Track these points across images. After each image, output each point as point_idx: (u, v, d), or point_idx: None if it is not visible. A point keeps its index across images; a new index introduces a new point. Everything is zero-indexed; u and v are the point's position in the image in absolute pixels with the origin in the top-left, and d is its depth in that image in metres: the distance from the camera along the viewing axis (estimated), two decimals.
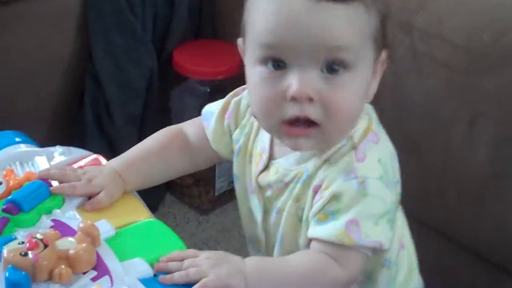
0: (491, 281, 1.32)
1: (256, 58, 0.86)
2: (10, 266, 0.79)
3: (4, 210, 0.88)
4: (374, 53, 0.88)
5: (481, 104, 1.23)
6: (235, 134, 0.99)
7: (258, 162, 0.95)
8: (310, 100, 0.83)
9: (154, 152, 1.02)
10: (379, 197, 0.86)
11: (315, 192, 0.88)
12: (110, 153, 1.07)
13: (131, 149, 1.03)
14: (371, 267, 0.95)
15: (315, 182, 0.89)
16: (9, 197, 0.90)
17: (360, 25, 0.84)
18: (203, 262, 0.85)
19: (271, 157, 0.94)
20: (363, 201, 0.85)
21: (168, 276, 0.84)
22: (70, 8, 1.58)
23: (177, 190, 1.79)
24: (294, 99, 0.83)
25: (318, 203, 0.87)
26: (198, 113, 1.05)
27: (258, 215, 0.96)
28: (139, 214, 0.95)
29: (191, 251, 0.88)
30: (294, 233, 0.92)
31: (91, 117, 1.62)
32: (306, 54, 0.82)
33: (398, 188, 0.93)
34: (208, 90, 1.63)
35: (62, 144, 1.08)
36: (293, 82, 0.83)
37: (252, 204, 0.97)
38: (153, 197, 1.73)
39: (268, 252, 0.98)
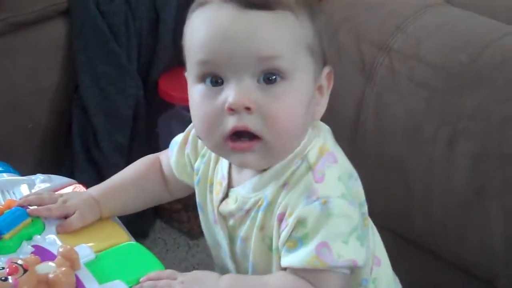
0: None
1: (194, 77, 0.86)
2: None
3: None
4: (314, 65, 0.87)
5: (460, 121, 1.25)
6: (196, 164, 0.99)
7: (218, 191, 0.95)
8: (248, 109, 0.83)
9: (132, 180, 1.04)
10: (344, 215, 0.85)
11: (280, 220, 0.87)
12: (99, 181, 1.08)
13: (111, 178, 1.05)
14: None
15: (277, 210, 0.87)
16: None
17: (291, 33, 0.84)
18: (176, 285, 0.86)
19: (230, 186, 0.94)
20: (329, 222, 0.84)
21: None
22: (56, 40, 1.60)
23: (166, 216, 1.81)
24: (231, 110, 0.83)
25: (285, 231, 0.86)
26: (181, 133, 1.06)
27: (224, 245, 0.96)
28: (119, 237, 0.97)
29: (169, 271, 0.89)
30: (266, 261, 0.91)
31: (79, 146, 1.64)
32: (240, 65, 0.82)
33: (364, 209, 0.92)
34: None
35: (51, 173, 1.10)
36: (229, 93, 0.83)
37: (217, 234, 0.97)
38: (143, 223, 1.74)
39: None
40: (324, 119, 0.93)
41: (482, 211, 1.24)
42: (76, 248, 0.88)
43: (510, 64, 1.24)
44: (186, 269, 1.63)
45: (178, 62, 1.74)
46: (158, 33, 1.69)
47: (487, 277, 1.28)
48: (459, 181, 1.25)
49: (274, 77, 0.83)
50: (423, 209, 1.32)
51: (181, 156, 1.01)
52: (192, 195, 1.12)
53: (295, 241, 0.85)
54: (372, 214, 0.98)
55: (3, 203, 0.98)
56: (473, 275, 1.30)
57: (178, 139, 1.03)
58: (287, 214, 0.86)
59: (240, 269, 0.96)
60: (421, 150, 1.30)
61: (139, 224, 1.69)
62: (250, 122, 0.83)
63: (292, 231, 0.85)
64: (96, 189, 1.02)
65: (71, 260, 0.86)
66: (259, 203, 0.89)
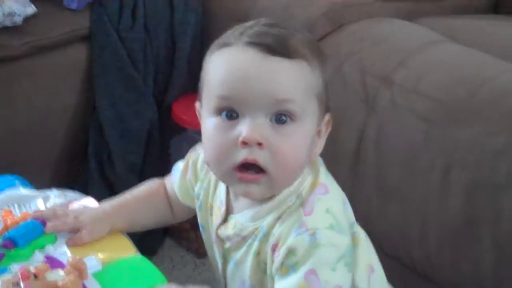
0: None
1: (211, 109, 0.93)
2: None
3: (0, 246, 0.96)
4: (319, 112, 0.94)
5: (456, 153, 1.29)
6: (196, 189, 1.06)
7: (217, 215, 1.01)
8: (259, 145, 0.89)
9: (141, 200, 1.11)
10: (332, 244, 0.90)
11: (273, 250, 0.93)
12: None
13: (122, 195, 1.12)
14: None
15: (271, 241, 0.93)
16: (6, 234, 0.98)
17: (305, 81, 0.91)
18: None
19: (229, 211, 1.00)
20: (316, 251, 0.89)
21: None
22: (77, 63, 1.67)
23: (175, 234, 1.86)
24: (244, 143, 0.89)
25: (278, 259, 0.92)
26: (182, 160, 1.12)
27: (219, 264, 1.03)
28: (126, 251, 1.02)
29: (173, 286, 0.94)
30: (261, 283, 0.97)
31: (94, 165, 1.70)
32: (256, 104, 0.89)
33: (354, 228, 0.98)
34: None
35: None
36: (244, 128, 0.89)
37: (214, 254, 1.03)
38: (153, 241, 1.80)
39: None
40: (327, 147, 0.99)
41: (475, 239, 1.27)
42: (85, 259, 0.94)
43: (505, 100, 1.29)
44: None
45: (191, 88, 1.83)
46: (174, 60, 1.76)
47: None
48: (453, 210, 1.29)
49: (285, 118, 0.90)
50: (419, 235, 1.35)
51: (184, 181, 1.08)
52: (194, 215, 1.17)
53: (287, 268, 0.91)
54: (372, 240, 1.04)
55: (19, 215, 1.04)
56: None
57: (179, 166, 1.09)
58: (279, 244, 0.92)
59: (230, 287, 1.02)
60: (418, 179, 1.34)
61: (149, 241, 1.75)
62: (260, 157, 0.90)
63: (284, 259, 0.91)
64: (108, 205, 1.08)
65: (79, 269, 0.91)
66: (256, 232, 0.96)
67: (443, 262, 1.34)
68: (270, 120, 0.90)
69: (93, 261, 0.96)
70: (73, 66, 1.67)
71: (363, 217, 1.00)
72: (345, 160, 1.44)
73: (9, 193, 1.11)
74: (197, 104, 0.99)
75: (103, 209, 1.07)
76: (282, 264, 0.91)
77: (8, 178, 1.16)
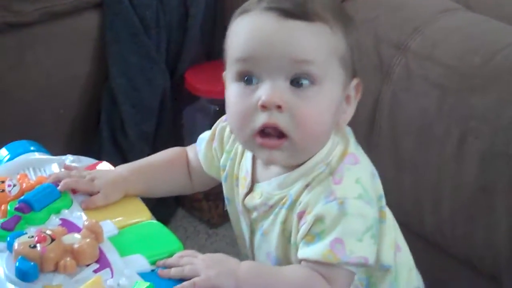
0: None
1: (232, 75, 0.93)
2: (20, 257, 0.87)
3: (16, 209, 0.96)
4: (344, 75, 0.94)
5: (471, 121, 1.28)
6: (222, 160, 1.05)
7: (243, 185, 1.01)
8: (279, 108, 0.89)
9: (160, 166, 1.10)
10: (360, 215, 0.91)
11: (300, 217, 0.93)
12: None
13: (140, 160, 1.11)
14: (372, 274, 1.00)
15: (298, 209, 0.93)
16: (22, 197, 0.98)
17: (325, 43, 0.91)
18: (198, 262, 0.92)
19: (254, 181, 1.00)
20: (344, 220, 0.90)
21: (166, 270, 0.92)
22: (89, 30, 1.67)
23: (188, 205, 1.86)
24: (263, 107, 0.89)
25: (304, 227, 0.92)
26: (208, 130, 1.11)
27: (246, 236, 1.02)
28: (141, 215, 1.02)
29: (190, 251, 0.95)
30: (285, 254, 0.97)
31: (106, 134, 1.70)
32: (274, 67, 0.89)
33: (382, 202, 0.98)
34: (218, 108, 1.70)
35: None
36: (263, 92, 0.90)
37: (242, 225, 1.03)
38: (166, 211, 1.81)
39: None
40: None
41: (489, 208, 1.27)
42: (101, 223, 0.94)
43: None
44: None
45: (204, 56, 1.82)
46: (186, 28, 1.75)
47: (491, 273, 1.31)
48: (467, 179, 1.29)
49: (305, 81, 0.90)
50: (433, 205, 1.35)
51: (209, 151, 1.07)
52: (213, 186, 1.17)
53: (313, 236, 0.91)
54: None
55: (34, 179, 1.04)
56: (479, 271, 1.34)
57: (205, 135, 1.09)
58: (306, 212, 0.92)
59: (257, 260, 1.02)
60: (432, 148, 1.34)
61: (162, 212, 1.74)
62: (280, 120, 0.90)
63: (310, 227, 0.91)
64: (125, 167, 1.08)
65: (95, 233, 0.92)
66: (284, 200, 0.95)
67: (456, 231, 1.34)
68: (291, 84, 0.90)
69: (109, 225, 0.97)
70: (86, 33, 1.66)
71: None
72: (360, 129, 1.41)
73: (25, 157, 1.11)
74: (223, 74, 0.99)
75: (119, 173, 1.06)
76: (308, 231, 0.91)
77: (24, 143, 1.16)
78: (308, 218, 0.91)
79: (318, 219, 0.90)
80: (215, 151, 1.07)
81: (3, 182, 1.01)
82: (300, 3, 0.90)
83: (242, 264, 0.93)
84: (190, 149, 1.12)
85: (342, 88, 0.94)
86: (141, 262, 0.92)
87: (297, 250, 0.94)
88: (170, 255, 0.94)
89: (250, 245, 1.03)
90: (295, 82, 0.90)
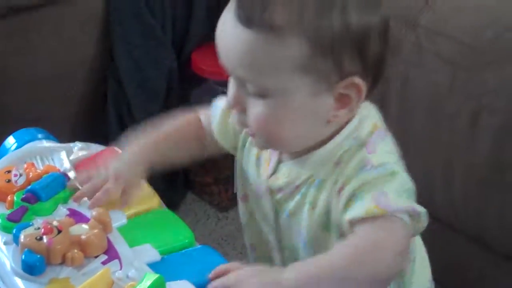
0: (499, 271, 1.36)
1: None
2: (26, 249, 0.85)
3: (23, 200, 0.94)
4: (309, 82, 0.86)
5: (484, 98, 1.27)
6: (244, 133, 1.01)
7: (268, 165, 0.97)
8: (243, 110, 0.89)
9: (174, 134, 1.06)
10: (400, 175, 0.88)
11: (339, 193, 0.89)
12: None
13: (153, 133, 1.05)
14: None
15: (335, 187, 0.89)
16: (29, 187, 0.96)
17: (270, 56, 0.84)
18: (242, 272, 0.86)
19: (279, 160, 0.96)
20: (384, 180, 0.86)
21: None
22: (94, 12, 1.64)
23: (197, 189, 1.85)
24: (232, 108, 0.92)
25: (342, 199, 0.88)
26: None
27: (271, 218, 0.99)
28: (151, 204, 1.00)
29: (235, 264, 0.89)
30: (316, 234, 0.93)
31: (113, 116, 1.69)
32: (232, 72, 0.89)
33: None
34: (225, 90, 1.67)
35: (85, 140, 1.13)
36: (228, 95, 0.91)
37: (264, 207, 0.99)
38: (175, 195, 1.79)
39: (282, 256, 1.00)
40: None
41: (502, 186, 1.27)
42: (110, 212, 0.92)
43: None
44: (215, 240, 1.70)
45: (211, 37, 1.79)
46: (192, 7, 1.73)
47: (505, 251, 1.31)
48: (480, 156, 1.28)
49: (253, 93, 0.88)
50: (444, 184, 1.34)
51: (225, 121, 1.03)
52: (223, 169, 1.14)
53: (353, 201, 0.87)
54: None
55: (41, 168, 1.02)
56: (492, 250, 1.33)
57: (220, 103, 1.05)
58: (345, 186, 0.88)
59: (282, 242, 0.99)
60: (444, 125, 1.33)
61: (172, 195, 1.74)
62: (246, 119, 0.90)
63: (350, 195, 0.87)
64: (141, 148, 1.03)
65: (103, 223, 0.90)
66: (310, 180, 0.92)
67: (467, 209, 1.33)
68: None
69: (118, 214, 0.95)
70: (91, 14, 1.64)
71: None
72: None
73: (32, 146, 1.09)
74: None
75: (135, 162, 1.01)
76: (348, 199, 0.87)
77: (31, 131, 1.13)
78: (347, 189, 0.88)
79: (358, 187, 0.87)
80: (232, 125, 1.02)
81: (9, 172, 0.99)
82: (255, 8, 0.83)
83: (286, 269, 0.86)
84: (203, 113, 1.08)
85: (308, 94, 0.87)
86: (150, 253, 0.90)
87: (337, 234, 0.90)
88: (181, 245, 0.93)
89: (275, 227, 0.99)
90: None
